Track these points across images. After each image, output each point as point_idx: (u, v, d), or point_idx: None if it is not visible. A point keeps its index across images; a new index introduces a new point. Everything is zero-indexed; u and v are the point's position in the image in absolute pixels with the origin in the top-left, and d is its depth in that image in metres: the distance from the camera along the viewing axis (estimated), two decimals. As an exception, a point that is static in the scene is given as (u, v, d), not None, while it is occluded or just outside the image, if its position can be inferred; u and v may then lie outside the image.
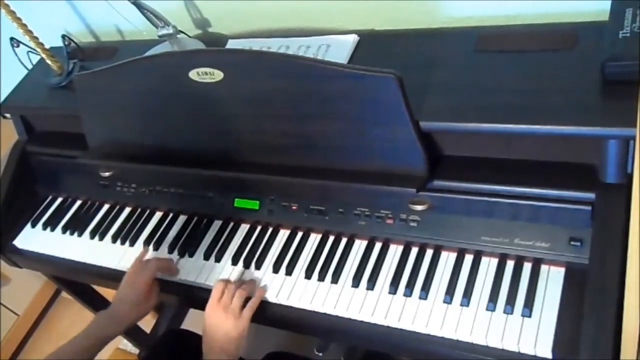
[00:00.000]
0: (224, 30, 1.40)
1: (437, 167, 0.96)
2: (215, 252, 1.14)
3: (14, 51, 1.42)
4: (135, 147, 1.19)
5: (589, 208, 0.86)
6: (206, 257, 1.14)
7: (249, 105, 1.01)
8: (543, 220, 0.90)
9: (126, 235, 1.25)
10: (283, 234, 1.12)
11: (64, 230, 1.33)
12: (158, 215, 1.27)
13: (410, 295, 0.95)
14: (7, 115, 1.51)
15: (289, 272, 1.05)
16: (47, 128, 1.45)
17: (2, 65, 1.70)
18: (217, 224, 1.19)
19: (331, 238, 1.08)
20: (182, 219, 1.23)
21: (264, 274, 1.07)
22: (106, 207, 1.33)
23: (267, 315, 1.03)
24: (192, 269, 1.13)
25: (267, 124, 1.03)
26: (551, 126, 0.86)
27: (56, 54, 1.41)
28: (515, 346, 0.84)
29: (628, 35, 0.86)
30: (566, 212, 0.88)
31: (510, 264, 0.93)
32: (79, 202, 1.38)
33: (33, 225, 1.38)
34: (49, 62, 1.40)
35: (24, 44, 1.39)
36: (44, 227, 1.36)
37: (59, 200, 1.41)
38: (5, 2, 1.30)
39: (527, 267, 0.92)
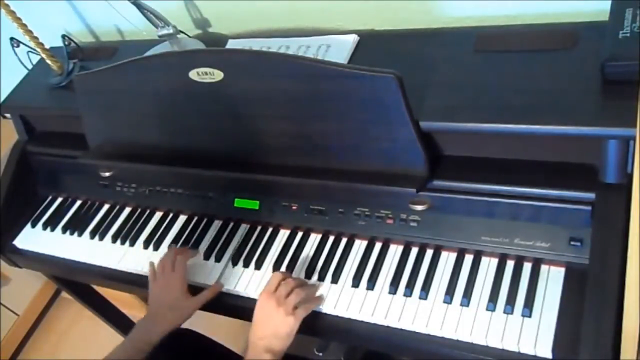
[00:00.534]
0: (224, 30, 1.40)
1: (437, 167, 0.96)
2: (215, 252, 1.14)
3: (14, 51, 1.42)
4: (135, 147, 1.19)
5: (589, 208, 0.86)
6: (206, 257, 1.14)
7: (249, 105, 1.01)
8: (543, 220, 0.90)
9: (126, 235, 1.25)
10: (283, 234, 1.12)
11: (64, 230, 1.33)
12: (158, 215, 1.27)
13: (410, 295, 0.95)
14: (7, 115, 1.51)
15: (288, 272, 1.05)
16: (47, 128, 1.45)
17: (2, 65, 1.70)
18: (217, 224, 1.19)
19: (331, 238, 1.08)
20: (182, 219, 1.23)
21: (264, 275, 1.07)
22: (106, 207, 1.33)
23: (267, 315, 1.03)
24: (192, 269, 1.13)
25: (267, 124, 1.03)
26: (551, 126, 0.86)
27: (56, 54, 1.41)
28: (515, 346, 0.84)
29: (628, 35, 0.86)
30: (566, 212, 0.88)
31: (510, 264, 0.93)
32: (79, 202, 1.38)
33: (33, 225, 1.38)
34: (49, 62, 1.40)
35: (24, 44, 1.39)
36: (44, 227, 1.36)
37: (59, 200, 1.41)
38: (5, 2, 1.30)
39: (527, 267, 0.92)
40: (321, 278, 1.02)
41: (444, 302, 0.92)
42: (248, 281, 1.07)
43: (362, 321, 0.96)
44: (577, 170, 0.89)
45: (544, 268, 0.90)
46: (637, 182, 0.66)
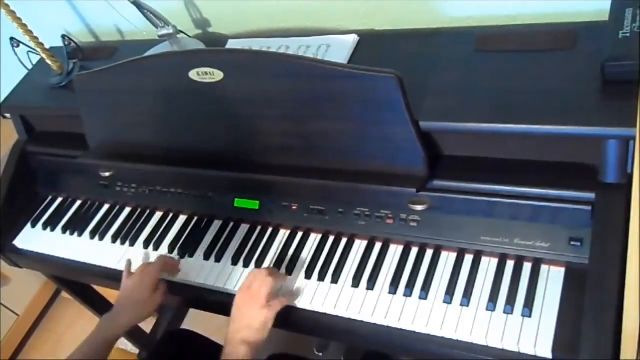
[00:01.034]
0: (224, 30, 1.40)
1: (437, 167, 0.96)
2: (215, 252, 1.14)
3: (14, 51, 1.42)
4: (135, 147, 1.19)
5: (589, 208, 0.86)
6: (206, 257, 1.14)
7: (249, 105, 1.01)
8: (543, 220, 0.90)
9: (126, 235, 1.25)
10: (283, 234, 1.12)
11: (64, 230, 1.33)
12: (158, 215, 1.27)
13: (410, 295, 0.95)
14: (7, 115, 1.51)
15: (288, 272, 1.05)
16: (47, 128, 1.45)
17: (2, 65, 1.70)
18: (217, 224, 1.19)
19: (331, 238, 1.08)
20: (182, 219, 1.23)
21: (264, 274, 1.07)
22: (106, 207, 1.33)
23: (267, 315, 1.03)
24: (192, 269, 1.13)
25: (267, 124, 1.03)
26: (551, 126, 0.86)
27: (56, 54, 1.41)
28: (515, 346, 0.84)
29: (628, 35, 0.86)
30: (566, 212, 0.88)
31: (510, 264, 0.93)
32: (79, 202, 1.38)
33: (33, 225, 1.38)
34: (49, 62, 1.40)
35: (24, 44, 1.39)
36: (44, 227, 1.36)
37: (59, 200, 1.41)
38: (5, 2, 1.30)
39: (527, 267, 0.92)
40: (321, 278, 1.02)
41: (444, 302, 0.92)
42: (248, 281, 1.07)
43: (362, 321, 0.96)
44: (577, 170, 0.89)
45: (544, 268, 0.90)
46: (637, 182, 0.66)
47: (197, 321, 1.05)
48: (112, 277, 1.21)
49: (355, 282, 0.99)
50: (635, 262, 0.66)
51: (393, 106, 0.90)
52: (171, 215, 1.25)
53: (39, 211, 1.40)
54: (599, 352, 0.75)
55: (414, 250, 1.00)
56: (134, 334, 1.82)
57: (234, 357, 0.93)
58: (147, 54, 1.30)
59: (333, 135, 0.98)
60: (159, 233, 1.22)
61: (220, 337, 1.36)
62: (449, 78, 1.00)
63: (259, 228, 1.15)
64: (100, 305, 1.70)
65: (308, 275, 1.04)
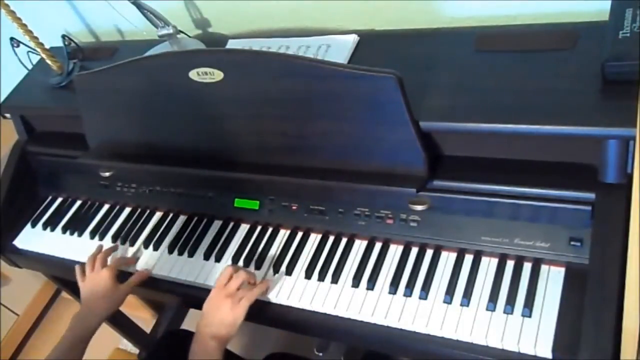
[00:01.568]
0: (224, 30, 1.40)
1: (437, 167, 0.96)
2: (215, 252, 1.14)
3: (14, 51, 1.42)
4: (135, 147, 1.19)
5: (588, 208, 0.86)
6: (206, 257, 1.14)
7: (249, 106, 1.01)
8: (543, 220, 0.90)
9: (126, 235, 1.25)
10: (283, 234, 1.12)
11: (64, 230, 1.33)
12: (158, 215, 1.27)
13: (410, 295, 0.95)
14: (7, 115, 1.51)
15: (289, 272, 1.05)
16: (47, 128, 1.45)
17: (2, 65, 1.70)
18: (217, 224, 1.19)
19: (331, 238, 1.08)
20: (182, 219, 1.23)
21: (264, 275, 1.07)
22: (106, 207, 1.34)
23: (267, 315, 1.03)
24: (192, 269, 1.13)
25: (267, 124, 1.03)
26: (551, 126, 0.86)
27: (56, 54, 1.41)
28: (515, 346, 0.84)
29: (628, 35, 0.86)
30: (566, 212, 0.88)
31: (510, 264, 0.93)
32: (79, 202, 1.38)
33: (33, 225, 1.38)
34: (49, 62, 1.40)
35: (24, 44, 1.39)
36: (44, 227, 1.36)
37: (59, 200, 1.41)
38: (5, 2, 1.30)
39: (527, 267, 0.92)
40: (321, 278, 1.02)
41: (444, 302, 0.92)
42: (248, 281, 1.07)
43: (362, 321, 0.96)
44: (577, 170, 0.89)
45: (544, 268, 0.90)
46: (637, 182, 0.66)
47: (197, 321, 1.05)
48: (112, 277, 1.20)
49: (355, 282, 0.99)
50: (635, 262, 0.66)
51: (393, 106, 0.90)
52: (171, 215, 1.25)
53: (39, 211, 1.40)
54: (599, 352, 0.75)
55: (414, 250, 1.00)
56: (134, 334, 1.82)
57: (204, 351, 0.96)
58: (147, 54, 1.30)
59: (333, 135, 0.98)
60: (159, 233, 1.22)
61: (220, 337, 1.37)
62: (449, 78, 1.00)
63: (259, 228, 1.15)
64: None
65: (308, 275, 1.04)
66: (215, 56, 0.99)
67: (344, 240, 1.06)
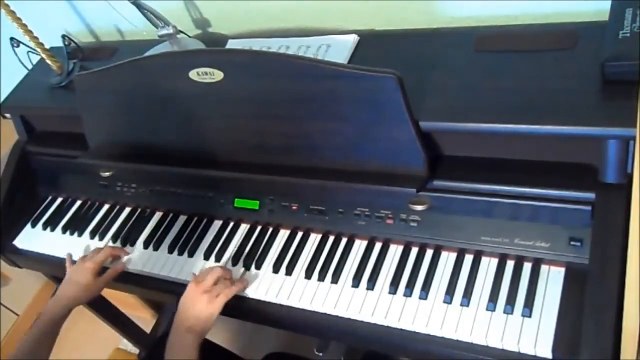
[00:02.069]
0: (224, 30, 1.40)
1: (437, 167, 0.97)
2: (215, 252, 1.14)
3: (14, 51, 1.42)
4: (135, 147, 1.19)
5: (588, 208, 0.86)
6: (206, 257, 1.14)
7: (249, 106, 1.01)
8: (543, 220, 0.90)
9: (126, 235, 1.25)
10: (283, 234, 1.12)
11: (64, 230, 1.33)
12: (158, 215, 1.27)
13: (410, 295, 0.95)
14: (7, 115, 1.51)
15: (289, 272, 1.05)
16: (47, 128, 1.45)
17: (2, 65, 1.70)
18: (217, 224, 1.19)
19: (331, 238, 1.08)
20: (182, 219, 1.23)
21: (264, 274, 1.07)
22: (106, 207, 1.34)
23: (267, 315, 1.03)
24: (193, 269, 1.13)
25: (267, 124, 1.03)
26: (551, 126, 0.86)
27: (56, 54, 1.41)
28: (515, 346, 0.84)
29: (628, 35, 0.86)
30: (566, 212, 0.88)
31: (510, 264, 0.93)
32: (79, 202, 1.38)
33: (33, 225, 1.38)
34: (49, 62, 1.40)
35: (24, 44, 1.39)
36: (44, 227, 1.36)
37: (59, 200, 1.41)
38: (5, 2, 1.30)
39: (527, 267, 0.92)
40: (321, 278, 1.02)
41: (444, 302, 0.92)
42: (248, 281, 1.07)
43: (362, 321, 0.96)
44: (577, 170, 0.89)
45: (544, 268, 0.90)
46: (637, 182, 0.66)
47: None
48: (112, 277, 1.20)
49: (355, 282, 0.99)
50: (635, 262, 0.66)
51: (393, 106, 0.90)
52: (171, 215, 1.25)
53: (39, 211, 1.40)
54: (599, 352, 0.75)
55: (414, 250, 1.00)
56: (134, 334, 1.82)
57: (180, 344, 0.98)
58: (147, 54, 1.30)
59: (333, 135, 0.98)
60: (159, 233, 1.22)
61: (220, 338, 1.37)
62: (449, 78, 1.00)
63: (259, 228, 1.15)
64: (100, 305, 1.69)
65: (308, 275, 1.04)
66: (215, 56, 0.99)
67: (344, 240, 1.06)
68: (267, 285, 1.05)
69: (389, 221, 1.01)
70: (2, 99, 1.46)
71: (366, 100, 0.91)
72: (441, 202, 0.96)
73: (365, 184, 0.98)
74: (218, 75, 0.98)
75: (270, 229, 1.13)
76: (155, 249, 1.20)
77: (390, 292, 0.96)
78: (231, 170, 1.10)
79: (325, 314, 0.99)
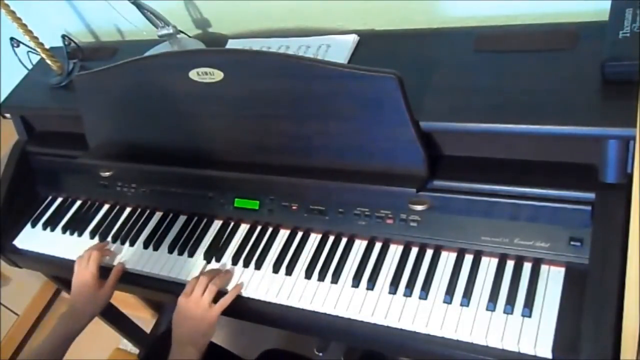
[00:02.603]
0: (224, 30, 1.40)
1: (437, 167, 0.97)
2: (215, 252, 1.14)
3: (14, 51, 1.42)
4: (135, 147, 1.19)
5: (589, 208, 0.86)
6: (206, 257, 1.14)
7: (249, 106, 1.01)
8: (543, 220, 0.90)
9: (126, 235, 1.25)
10: (283, 234, 1.12)
11: (64, 230, 1.33)
12: (158, 215, 1.27)
13: (410, 295, 0.95)
14: (7, 115, 1.51)
15: (289, 272, 1.05)
16: (47, 128, 1.45)
17: (2, 65, 1.70)
18: (217, 224, 1.19)
19: (331, 238, 1.08)
20: (182, 219, 1.23)
21: (264, 274, 1.07)
22: (106, 207, 1.33)
23: (267, 315, 1.03)
24: (192, 269, 1.13)
25: (267, 124, 1.03)
26: (551, 126, 0.86)
27: (56, 54, 1.41)
28: (515, 346, 0.84)
29: (628, 35, 0.86)
30: (566, 212, 0.88)
31: (510, 264, 0.93)
32: (79, 202, 1.38)
33: (33, 225, 1.38)
34: (49, 62, 1.40)
35: (24, 44, 1.39)
36: (44, 227, 1.36)
37: (59, 200, 1.41)
38: (5, 2, 1.30)
39: (527, 267, 0.92)
40: (321, 278, 1.02)
41: (444, 302, 0.92)
42: (248, 281, 1.07)
43: (362, 321, 0.96)
44: (577, 170, 0.89)
45: (544, 268, 0.90)
46: (637, 182, 0.66)
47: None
48: (112, 277, 1.20)
49: (355, 282, 0.99)
50: (635, 262, 0.66)
51: (393, 106, 0.90)
52: (171, 215, 1.25)
53: (39, 211, 1.40)
54: (599, 352, 0.75)
55: (414, 250, 1.00)
56: (134, 334, 1.82)
57: (181, 356, 0.98)
58: (147, 54, 1.30)
59: (333, 135, 0.98)
60: (159, 233, 1.22)
61: (220, 337, 1.37)
62: (449, 78, 1.00)
63: (259, 228, 1.15)
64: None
65: (308, 275, 1.04)
66: (215, 56, 0.99)
67: (344, 240, 1.06)
68: (267, 285, 1.05)
69: (389, 221, 1.01)
70: (2, 99, 1.46)
71: (366, 100, 0.91)
72: (441, 202, 0.96)
73: (365, 184, 0.98)
74: (218, 75, 0.98)
75: (270, 229, 1.13)
76: (156, 249, 1.20)
77: (390, 292, 0.96)
78: (231, 170, 1.10)
79: (325, 314, 0.99)
